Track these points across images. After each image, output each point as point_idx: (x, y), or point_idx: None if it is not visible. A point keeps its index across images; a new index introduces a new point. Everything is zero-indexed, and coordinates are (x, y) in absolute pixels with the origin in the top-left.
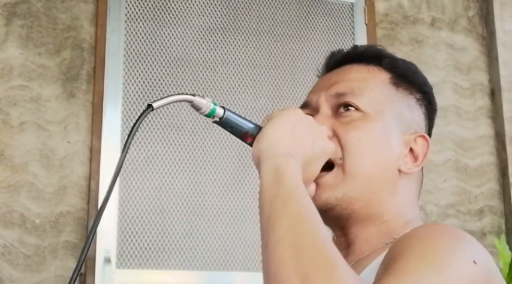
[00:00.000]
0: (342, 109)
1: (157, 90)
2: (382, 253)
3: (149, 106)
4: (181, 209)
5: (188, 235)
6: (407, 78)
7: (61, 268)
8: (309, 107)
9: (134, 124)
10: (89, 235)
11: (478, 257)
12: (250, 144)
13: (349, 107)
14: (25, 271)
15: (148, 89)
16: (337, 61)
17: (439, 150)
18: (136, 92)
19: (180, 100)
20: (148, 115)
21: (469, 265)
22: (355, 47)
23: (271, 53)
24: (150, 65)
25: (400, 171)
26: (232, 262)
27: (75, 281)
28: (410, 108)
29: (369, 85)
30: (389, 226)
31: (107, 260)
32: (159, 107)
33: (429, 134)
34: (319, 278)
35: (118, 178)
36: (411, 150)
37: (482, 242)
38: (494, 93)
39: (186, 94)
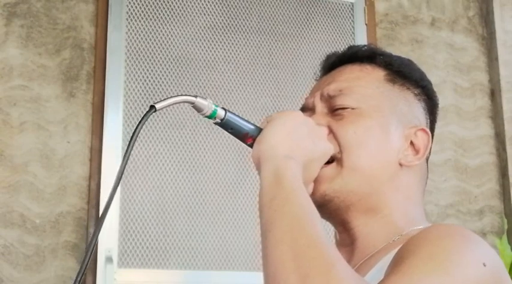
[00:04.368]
0: (335, 111)
1: (158, 89)
2: (389, 252)
3: (152, 107)
4: (182, 208)
5: (190, 235)
6: (403, 74)
7: (61, 268)
8: (307, 110)
9: (137, 127)
10: (91, 242)
11: (488, 259)
12: (251, 146)
13: (341, 109)
14: (25, 271)
15: (149, 88)
16: (333, 63)
17: (439, 150)
18: (138, 91)
19: (182, 102)
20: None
21: (478, 266)
22: (350, 47)
23: (271, 52)
24: (152, 64)
25: (401, 164)
26: (234, 261)
27: None
28: (408, 103)
29: (361, 84)
30: (393, 222)
31: (109, 260)
32: (161, 108)
33: (432, 128)
34: (319, 278)
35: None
36: (412, 143)
37: None
38: (494, 93)
39: (188, 95)
